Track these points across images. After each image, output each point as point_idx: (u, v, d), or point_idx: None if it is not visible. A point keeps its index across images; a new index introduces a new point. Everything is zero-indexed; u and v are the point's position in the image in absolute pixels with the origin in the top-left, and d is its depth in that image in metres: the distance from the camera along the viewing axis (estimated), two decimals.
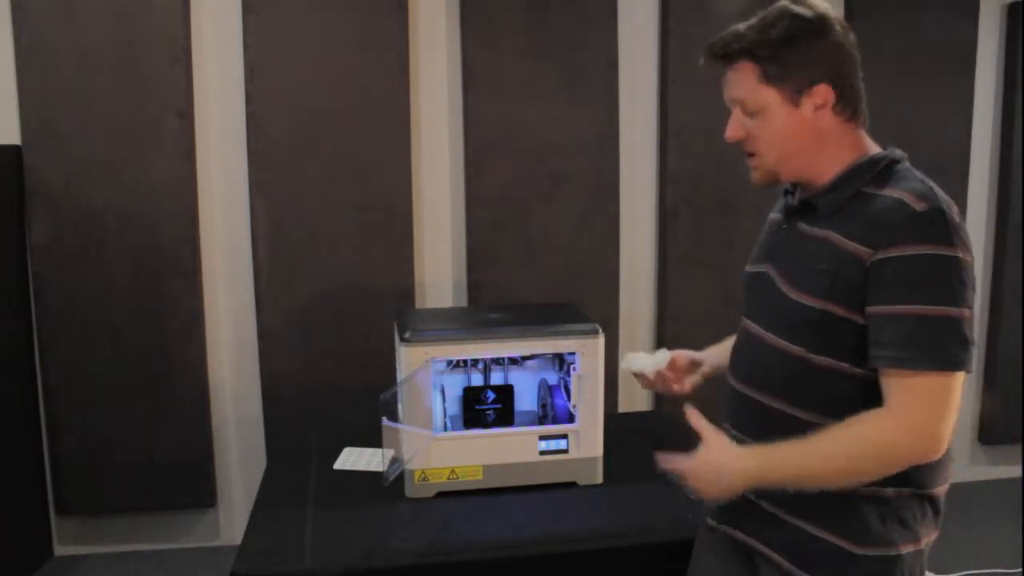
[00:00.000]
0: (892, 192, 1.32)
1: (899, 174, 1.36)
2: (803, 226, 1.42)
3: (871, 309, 1.29)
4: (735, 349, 1.56)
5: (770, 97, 1.36)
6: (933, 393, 1.26)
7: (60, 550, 3.27)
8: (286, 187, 3.16)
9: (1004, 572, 3.06)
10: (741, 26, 1.38)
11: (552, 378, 2.27)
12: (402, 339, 2.05)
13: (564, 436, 2.13)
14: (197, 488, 3.25)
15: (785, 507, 1.43)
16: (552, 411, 2.22)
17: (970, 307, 1.27)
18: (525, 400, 2.28)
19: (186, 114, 3.08)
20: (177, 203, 3.11)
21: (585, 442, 2.12)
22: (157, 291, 3.13)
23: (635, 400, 3.51)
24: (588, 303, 2.86)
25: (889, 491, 1.36)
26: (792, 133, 1.37)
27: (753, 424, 1.47)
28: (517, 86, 3.26)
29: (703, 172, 3.36)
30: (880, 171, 1.37)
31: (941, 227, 1.26)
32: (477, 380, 2.21)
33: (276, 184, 3.16)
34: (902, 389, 1.27)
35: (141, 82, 3.03)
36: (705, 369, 1.79)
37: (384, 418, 1.92)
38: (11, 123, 3.01)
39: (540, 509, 2.02)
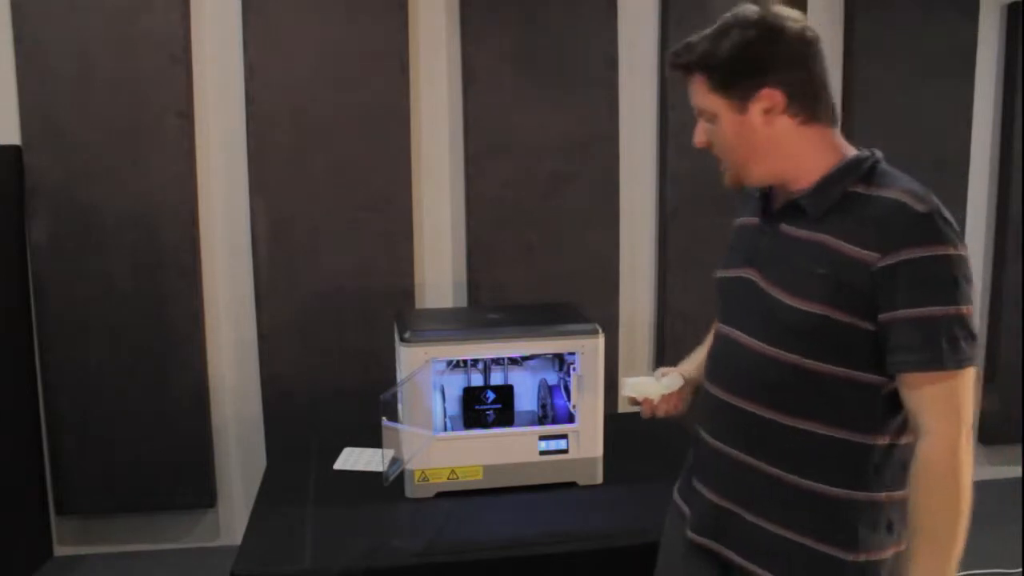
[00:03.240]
0: (887, 193, 1.31)
1: (886, 174, 1.36)
2: (788, 228, 1.40)
3: (885, 315, 1.28)
4: (712, 356, 1.53)
5: (718, 105, 1.40)
6: (958, 391, 1.27)
7: (60, 550, 3.27)
8: (286, 187, 3.16)
9: (1004, 572, 3.05)
10: (694, 37, 1.42)
11: (552, 378, 2.27)
12: (402, 339, 2.05)
13: (564, 436, 2.13)
14: (197, 488, 3.25)
15: (769, 517, 1.41)
16: (552, 411, 2.22)
17: (972, 303, 1.28)
18: (525, 400, 2.28)
19: (186, 114, 3.08)
20: (177, 203, 3.11)
21: (585, 442, 2.12)
22: (157, 291, 3.12)
23: None
24: (588, 303, 2.86)
25: (882, 496, 1.36)
26: (741, 138, 1.39)
27: (735, 432, 1.45)
28: (517, 86, 3.26)
29: (703, 172, 3.33)
30: (866, 171, 1.36)
31: (943, 227, 1.27)
32: (477, 380, 2.21)
33: (276, 184, 3.16)
34: (929, 396, 1.27)
35: (141, 82, 3.03)
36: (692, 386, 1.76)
37: (384, 418, 1.92)
38: (11, 123, 3.01)
39: (540, 509, 2.02)
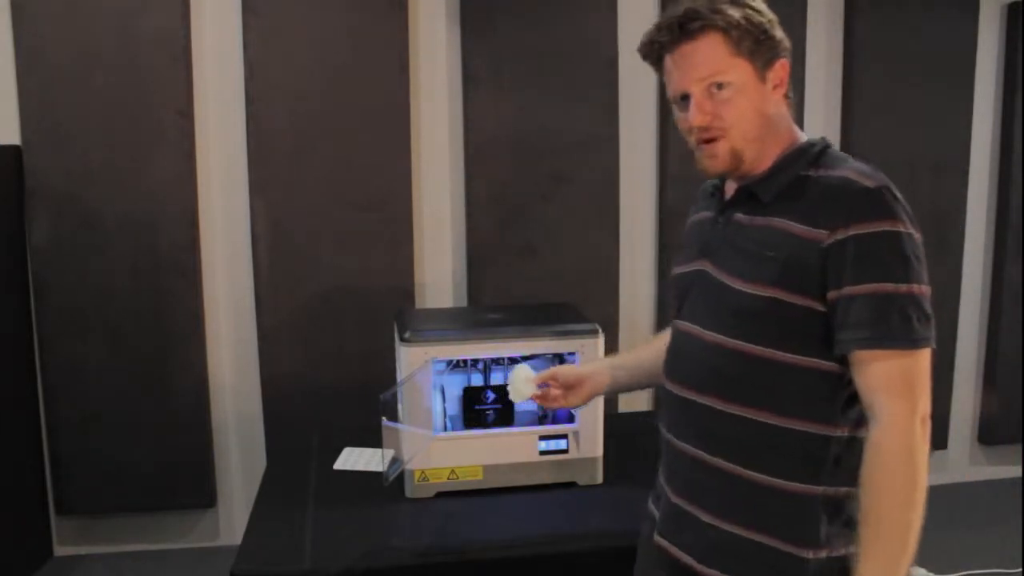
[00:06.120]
0: (836, 173, 1.28)
1: (836, 157, 1.33)
2: (741, 216, 1.37)
3: (834, 293, 1.24)
4: (670, 352, 1.49)
5: (743, 70, 1.31)
6: (912, 372, 1.22)
7: (60, 550, 3.27)
8: (286, 187, 3.16)
9: (1004, 572, 3.05)
10: (695, 5, 1.33)
11: None
12: (402, 339, 2.05)
13: (564, 436, 2.13)
14: (197, 488, 3.25)
15: (725, 516, 1.35)
16: (552, 411, 2.22)
17: (927, 283, 1.24)
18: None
19: (186, 114, 3.08)
20: (177, 203, 3.11)
21: (585, 442, 2.12)
22: (157, 291, 3.13)
23: (635, 400, 3.51)
24: (588, 303, 2.85)
25: (843, 491, 1.29)
26: (761, 109, 1.32)
27: (691, 427, 1.40)
28: (517, 86, 3.26)
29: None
30: (815, 155, 1.34)
31: (893, 204, 1.24)
32: (477, 380, 2.21)
33: (276, 184, 3.16)
34: (881, 375, 1.22)
35: (141, 82, 3.03)
36: (598, 386, 1.72)
37: (384, 418, 1.92)
38: (11, 123, 3.01)
39: (540, 509, 2.02)
